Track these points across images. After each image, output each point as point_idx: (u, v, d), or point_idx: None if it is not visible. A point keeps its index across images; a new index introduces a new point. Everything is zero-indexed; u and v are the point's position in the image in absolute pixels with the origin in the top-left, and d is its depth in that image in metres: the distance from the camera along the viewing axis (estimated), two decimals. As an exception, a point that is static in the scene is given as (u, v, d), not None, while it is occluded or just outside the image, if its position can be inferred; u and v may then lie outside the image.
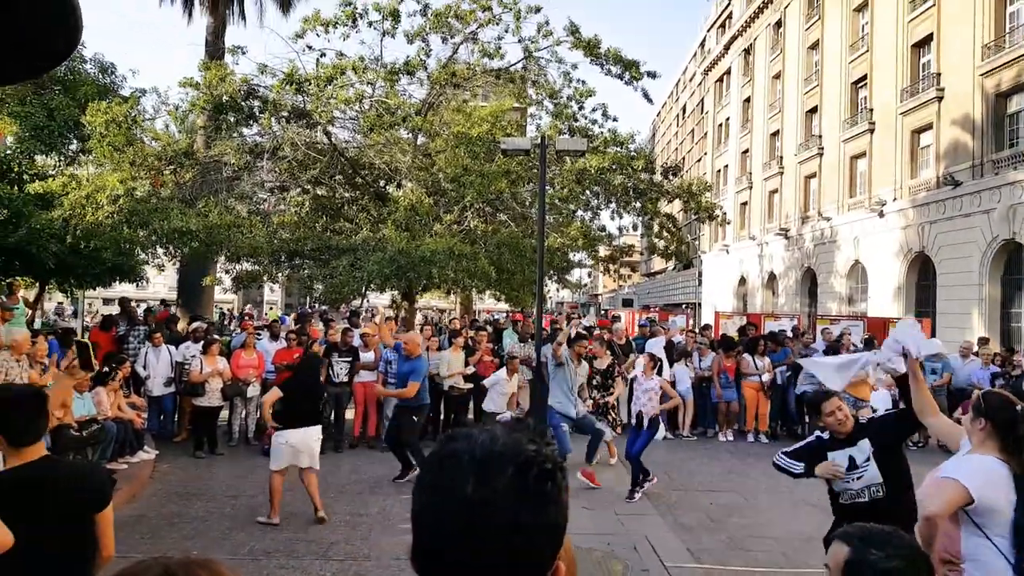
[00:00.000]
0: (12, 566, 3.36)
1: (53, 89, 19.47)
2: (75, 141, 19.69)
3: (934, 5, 31.27)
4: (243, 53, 17.89)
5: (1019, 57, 26.36)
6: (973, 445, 4.33)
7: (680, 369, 16.37)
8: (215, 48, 23.40)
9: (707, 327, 20.14)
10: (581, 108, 19.47)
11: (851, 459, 5.62)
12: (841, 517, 5.69)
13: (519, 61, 19.75)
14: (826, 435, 5.92)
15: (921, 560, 2.61)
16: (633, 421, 11.44)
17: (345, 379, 14.22)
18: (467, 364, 15.11)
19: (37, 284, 21.81)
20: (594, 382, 13.14)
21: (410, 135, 18.96)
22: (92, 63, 21.17)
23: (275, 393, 9.67)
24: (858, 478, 5.57)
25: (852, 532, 2.73)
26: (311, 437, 9.43)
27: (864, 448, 5.60)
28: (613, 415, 12.92)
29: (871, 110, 36.31)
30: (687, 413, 16.39)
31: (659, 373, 12.19)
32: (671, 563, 8.21)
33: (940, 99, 30.68)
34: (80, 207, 15.76)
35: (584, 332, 15.11)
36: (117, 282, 22.85)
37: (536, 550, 1.27)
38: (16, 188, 17.97)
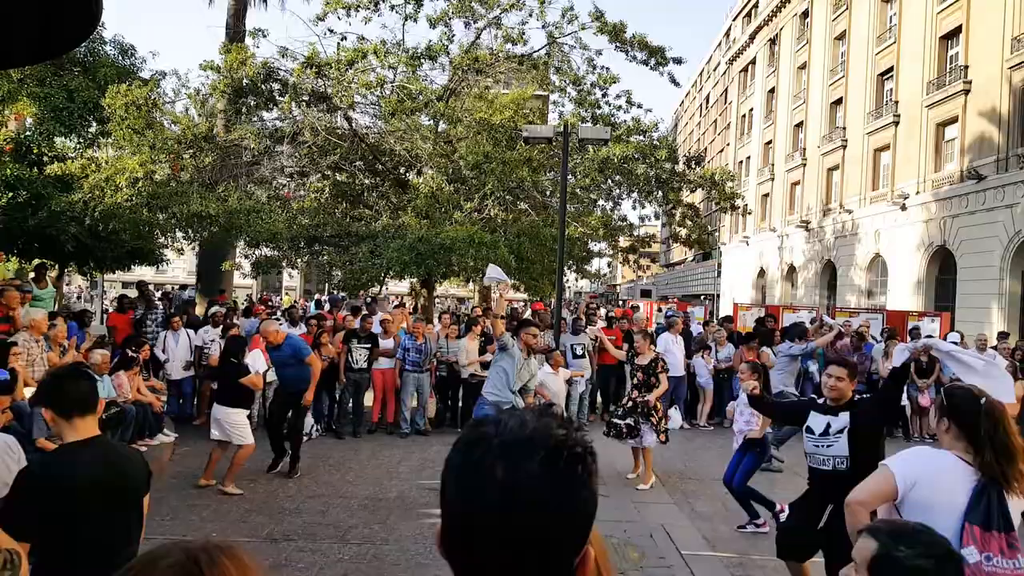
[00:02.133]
0: (71, 551, 3.34)
1: (73, 70, 19.39)
2: (95, 123, 19.62)
3: (963, -4, 30.93)
4: (264, 36, 17.79)
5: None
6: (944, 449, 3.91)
7: (698, 361, 16.35)
8: (236, 31, 23.36)
9: (728, 319, 19.99)
10: (605, 95, 19.34)
11: (827, 425, 5.77)
12: (810, 479, 6.01)
13: (543, 47, 19.62)
14: (821, 400, 6.07)
15: (952, 560, 2.51)
16: (734, 444, 9.71)
17: (364, 365, 14.21)
18: (485, 351, 14.99)
19: (56, 267, 21.83)
20: (635, 380, 11.42)
21: (431, 121, 18.91)
22: (112, 44, 21.03)
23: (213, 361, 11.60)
24: (828, 446, 5.72)
25: (881, 527, 2.65)
26: (222, 415, 10.02)
27: (843, 420, 5.72)
28: (657, 418, 11.01)
29: (896, 102, 35.98)
30: (705, 404, 16.38)
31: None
32: (687, 551, 8.16)
33: (967, 92, 30.36)
34: (99, 190, 15.78)
35: (532, 319, 13.54)
36: (136, 265, 22.87)
37: (566, 534, 1.25)
38: (35, 170, 17.94)
